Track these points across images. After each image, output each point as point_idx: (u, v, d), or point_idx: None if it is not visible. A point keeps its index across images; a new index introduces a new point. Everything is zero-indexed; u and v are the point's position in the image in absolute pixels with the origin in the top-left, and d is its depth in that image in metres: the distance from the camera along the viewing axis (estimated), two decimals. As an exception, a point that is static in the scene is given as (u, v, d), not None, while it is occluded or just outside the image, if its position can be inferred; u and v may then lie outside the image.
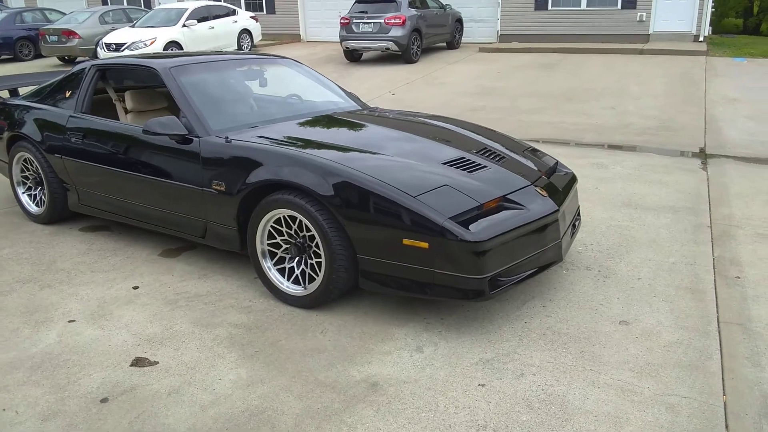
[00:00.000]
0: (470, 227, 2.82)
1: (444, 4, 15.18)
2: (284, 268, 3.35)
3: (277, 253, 3.36)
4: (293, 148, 3.26)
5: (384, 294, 3.28)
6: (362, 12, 13.48)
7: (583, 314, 3.22)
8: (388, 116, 4.18)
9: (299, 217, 3.13)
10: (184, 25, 14.34)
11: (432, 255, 2.83)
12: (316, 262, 3.20)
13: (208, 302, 3.39)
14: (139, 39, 13.57)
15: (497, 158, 3.56)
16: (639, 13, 14.94)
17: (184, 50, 14.22)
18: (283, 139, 3.46)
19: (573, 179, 3.76)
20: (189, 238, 3.76)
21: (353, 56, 14.19)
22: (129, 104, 4.40)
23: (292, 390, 2.59)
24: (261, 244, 3.36)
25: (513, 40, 16.15)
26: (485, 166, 3.38)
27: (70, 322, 3.18)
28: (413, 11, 13.41)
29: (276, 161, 3.20)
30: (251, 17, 16.57)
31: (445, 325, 3.11)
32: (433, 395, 2.55)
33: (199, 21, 14.73)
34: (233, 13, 15.98)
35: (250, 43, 16.40)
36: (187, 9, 14.69)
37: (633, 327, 3.10)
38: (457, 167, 3.29)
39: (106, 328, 3.12)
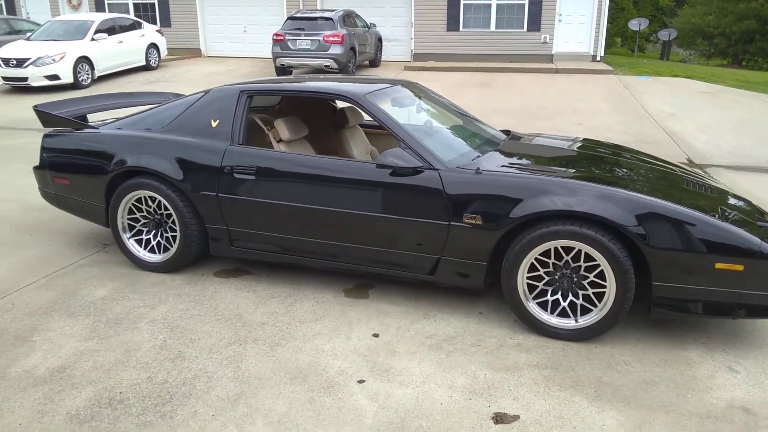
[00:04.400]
0: None
1: (369, 23, 15.31)
2: (545, 301, 3.25)
3: (537, 287, 3.25)
4: (571, 179, 3.18)
5: (674, 319, 3.32)
6: (298, 29, 13.17)
7: (808, 319, 3.51)
8: (569, 140, 4.26)
9: (579, 247, 3.07)
10: (92, 39, 12.95)
11: (744, 277, 2.93)
12: (594, 293, 3.15)
13: (471, 344, 3.17)
14: (45, 54, 12.00)
15: (692, 173, 3.80)
16: (543, 36, 16.25)
17: (95, 65, 12.86)
18: (534, 168, 3.39)
19: None
20: (406, 275, 3.50)
21: (285, 73, 13.78)
22: (283, 134, 3.95)
23: (687, 427, 2.54)
24: (523, 278, 3.23)
25: (427, 59, 16.71)
26: (704, 185, 3.60)
27: (360, 382, 2.81)
28: (346, 30, 13.38)
29: (551, 192, 3.11)
30: (157, 31, 15.39)
31: (714, 341, 3.22)
32: (806, 411, 2.66)
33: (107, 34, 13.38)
34: (139, 26, 14.73)
35: (157, 59, 15.22)
36: (93, 21, 13.27)
37: None
38: (692, 189, 3.45)
39: (409, 384, 2.80)
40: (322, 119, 4.81)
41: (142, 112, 4.21)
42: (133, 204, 3.97)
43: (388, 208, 3.38)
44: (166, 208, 3.88)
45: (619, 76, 14.16)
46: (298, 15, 13.65)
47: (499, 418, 2.57)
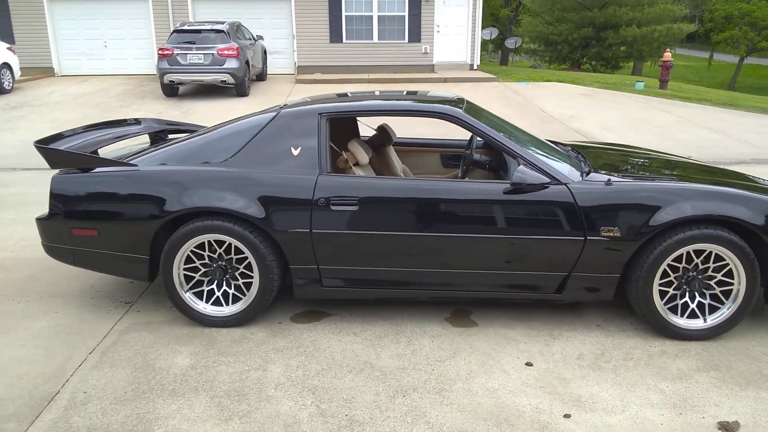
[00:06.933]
0: None
1: (255, 35, 14.69)
2: (675, 305, 3.31)
3: (667, 292, 3.29)
4: (699, 184, 3.27)
5: None
6: (188, 42, 12.24)
7: None
8: (607, 145, 4.36)
9: (710, 248, 3.15)
10: (-64, 59, 10.96)
11: None
12: (721, 291, 3.26)
13: (624, 359, 3.12)
14: None
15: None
16: (423, 46, 16.77)
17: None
18: (650, 175, 3.50)
19: None
20: (529, 297, 3.37)
21: (173, 90, 12.75)
22: (360, 156, 3.60)
23: None
24: (656, 286, 3.24)
25: (310, 71, 16.42)
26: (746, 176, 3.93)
27: (566, 417, 2.63)
28: (238, 42, 12.72)
29: (685, 198, 3.16)
30: (8, 48, 13.43)
31: (814, 323, 3.51)
32: None
33: (-47, 53, 11.41)
34: (-14, 43, 12.76)
35: (11, 81, 13.30)
36: (-66, 38, 11.23)
37: None
38: (757, 183, 3.75)
39: (614, 411, 2.67)
40: (351, 138, 4.48)
41: (178, 142, 3.62)
42: (191, 251, 3.38)
43: (514, 228, 3.23)
44: (237, 252, 3.36)
45: (503, 83, 15.02)
46: (186, 27, 12.68)
47: (726, 428, 2.55)
